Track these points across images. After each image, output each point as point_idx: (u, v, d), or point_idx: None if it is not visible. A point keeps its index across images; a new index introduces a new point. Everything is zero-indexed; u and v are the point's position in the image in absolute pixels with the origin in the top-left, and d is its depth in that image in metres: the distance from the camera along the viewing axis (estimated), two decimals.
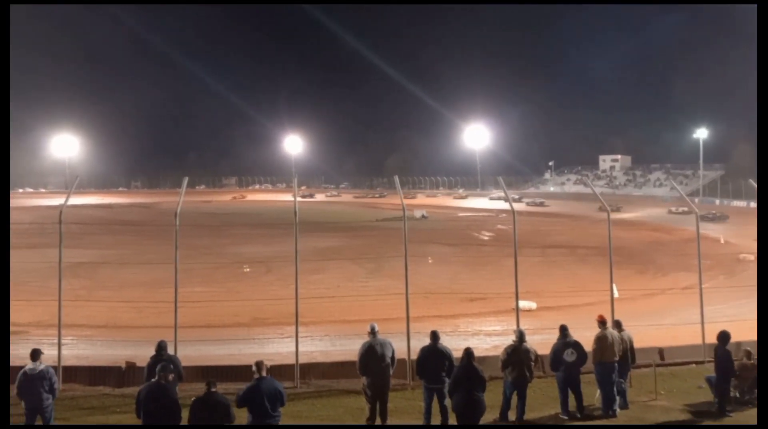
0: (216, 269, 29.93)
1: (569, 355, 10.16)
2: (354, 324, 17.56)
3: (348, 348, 13.86)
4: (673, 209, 64.02)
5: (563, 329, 10.44)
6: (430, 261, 32.54)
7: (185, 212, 13.65)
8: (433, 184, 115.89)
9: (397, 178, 16.75)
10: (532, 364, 10.07)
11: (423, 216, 64.79)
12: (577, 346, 10.28)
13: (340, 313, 20.40)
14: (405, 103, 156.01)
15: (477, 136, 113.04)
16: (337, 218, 61.17)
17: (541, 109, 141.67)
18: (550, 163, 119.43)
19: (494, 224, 57.94)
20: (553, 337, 10.71)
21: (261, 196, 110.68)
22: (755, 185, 11.67)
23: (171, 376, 8.22)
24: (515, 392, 10.01)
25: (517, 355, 9.97)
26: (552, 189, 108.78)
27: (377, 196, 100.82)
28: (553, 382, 10.80)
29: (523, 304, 18.83)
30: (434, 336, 9.91)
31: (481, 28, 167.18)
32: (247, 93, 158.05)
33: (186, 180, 16.06)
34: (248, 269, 30.90)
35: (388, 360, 9.83)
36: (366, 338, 10.02)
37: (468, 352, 9.22)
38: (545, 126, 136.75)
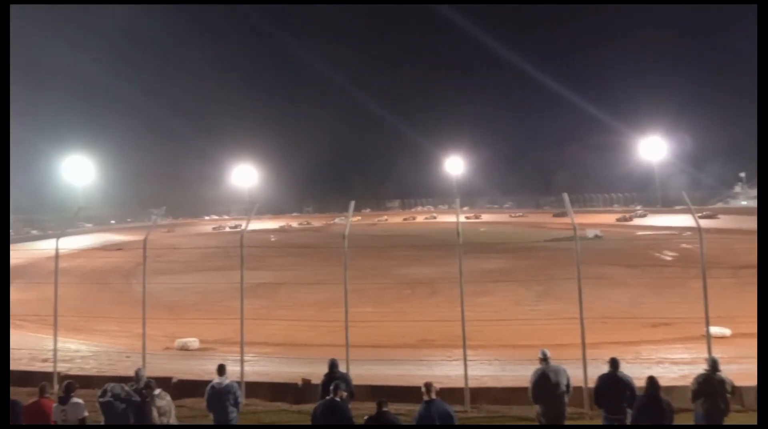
0: (383, 290, 30.55)
1: None
2: (524, 349, 16.92)
3: (519, 374, 13.30)
4: None
5: None
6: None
7: (353, 234, 14.01)
8: (606, 201, 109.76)
9: (566, 196, 15.82)
10: (728, 395, 8.91)
11: (596, 235, 61.55)
12: None
13: (510, 337, 19.74)
14: (572, 116, 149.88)
15: (654, 148, 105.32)
16: (502, 239, 60.01)
17: (727, 116, 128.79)
18: (741, 175, 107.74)
19: (678, 243, 53.29)
20: (753, 366, 9.39)
21: (423, 218, 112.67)
22: None
23: (344, 395, 8.33)
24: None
25: (710, 385, 8.90)
26: (744, 203, 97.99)
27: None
28: (753, 417, 9.45)
29: (715, 330, 16.95)
30: (614, 363, 9.15)
31: (652, 31, 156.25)
32: (409, 116, 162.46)
33: (353, 204, 16.58)
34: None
35: (563, 388, 9.24)
36: (538, 364, 9.49)
37: (652, 380, 8.37)
38: (733, 134, 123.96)
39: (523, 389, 10.00)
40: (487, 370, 15.91)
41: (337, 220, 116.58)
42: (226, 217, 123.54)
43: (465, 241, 13.41)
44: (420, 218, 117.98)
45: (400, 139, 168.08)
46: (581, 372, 11.45)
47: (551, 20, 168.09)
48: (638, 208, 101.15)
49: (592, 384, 9.71)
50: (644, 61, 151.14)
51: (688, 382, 9.55)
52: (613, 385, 8.97)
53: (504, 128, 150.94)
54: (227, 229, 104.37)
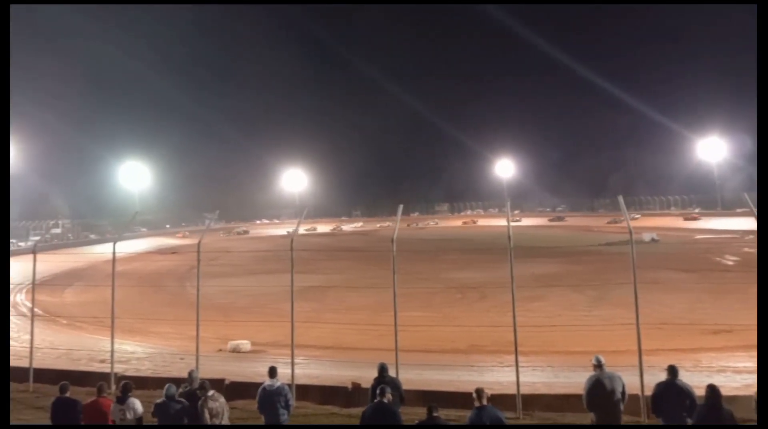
0: (432, 294, 30.40)
1: None
2: (578, 355, 16.57)
3: (573, 380, 13.01)
4: None
5: None
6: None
7: (401, 238, 13.96)
8: (663, 203, 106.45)
9: (621, 199, 15.33)
10: None
11: (653, 239, 59.84)
12: None
13: (562, 343, 19.36)
14: (626, 116, 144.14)
15: (712, 148, 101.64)
16: (555, 243, 59.00)
17: None
18: None
19: (739, 247, 51.25)
20: None
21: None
22: None
23: (390, 397, 8.27)
24: None
25: None
26: None
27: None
28: None
29: None
30: (672, 371, 8.80)
31: (708, 28, 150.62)
32: (458, 118, 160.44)
33: (401, 207, 16.57)
34: None
35: (619, 395, 8.94)
36: (592, 371, 9.22)
37: (713, 389, 7.99)
38: None
39: (577, 396, 9.75)
40: (540, 377, 15.65)
41: (344, 227, 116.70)
42: (277, 220, 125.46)
43: (515, 245, 13.18)
44: (431, 223, 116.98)
45: (449, 142, 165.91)
46: (637, 379, 11.09)
47: (602, 19, 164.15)
48: (696, 210, 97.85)
49: (649, 392, 9.38)
50: (700, 58, 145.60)
51: (752, 391, 9.11)
52: (671, 393, 8.63)
53: (555, 130, 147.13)
54: (235, 235, 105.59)
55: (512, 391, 12.09)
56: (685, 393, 8.56)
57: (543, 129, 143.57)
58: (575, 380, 11.70)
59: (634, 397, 10.67)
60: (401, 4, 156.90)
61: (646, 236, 60.04)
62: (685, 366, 13.96)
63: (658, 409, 8.80)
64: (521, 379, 12.13)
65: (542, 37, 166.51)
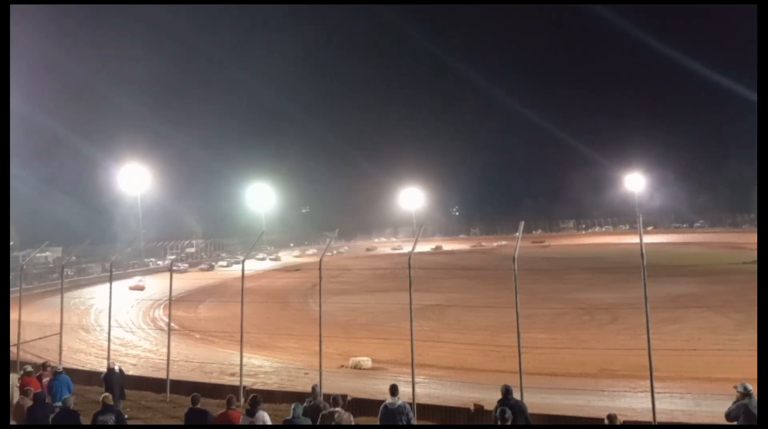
0: (558, 315, 29.20)
1: None
2: (721, 383, 15.19)
3: (717, 410, 11.80)
4: None
5: None
6: None
7: (523, 257, 13.46)
8: None
9: None
10: None
11: None
12: None
13: (704, 369, 17.86)
14: None
15: None
16: (693, 261, 54.89)
17: None
18: None
19: None
20: None
21: (603, 239, 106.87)
22: None
23: (507, 421, 7.92)
24: None
25: None
26: None
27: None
28: None
29: None
30: None
31: None
32: (582, 130, 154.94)
33: (522, 224, 15.97)
34: None
35: None
36: (739, 400, 8.34)
37: None
38: None
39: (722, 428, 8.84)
40: (678, 405, 14.53)
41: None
42: (394, 238, 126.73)
43: (648, 264, 12.28)
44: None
45: (572, 155, 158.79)
46: None
47: (735, 22, 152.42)
48: None
49: None
50: None
51: None
52: None
53: (691, 140, 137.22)
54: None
55: (647, 418, 11.31)
56: None
57: (677, 140, 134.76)
58: (719, 409, 10.60)
59: None
60: (515, 6, 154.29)
61: None
62: None
63: None
64: (657, 406, 11.23)
65: (672, 42, 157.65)
